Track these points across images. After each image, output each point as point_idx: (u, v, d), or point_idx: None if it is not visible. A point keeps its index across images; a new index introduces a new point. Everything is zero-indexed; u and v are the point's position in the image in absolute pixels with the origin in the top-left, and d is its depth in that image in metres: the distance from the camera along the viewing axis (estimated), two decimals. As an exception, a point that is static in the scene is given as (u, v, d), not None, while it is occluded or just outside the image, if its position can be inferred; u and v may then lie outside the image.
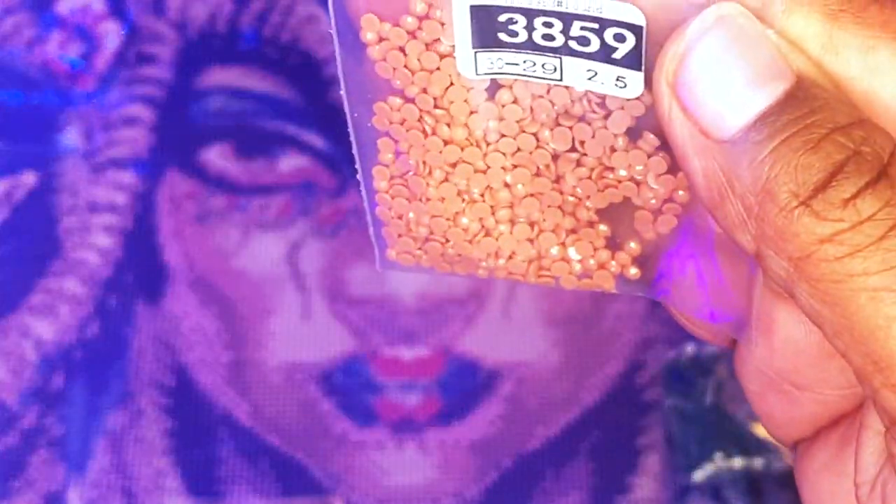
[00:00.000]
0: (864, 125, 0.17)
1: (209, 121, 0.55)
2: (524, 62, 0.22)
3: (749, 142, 0.17)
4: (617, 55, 0.20)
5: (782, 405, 0.24)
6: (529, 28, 0.21)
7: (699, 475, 0.44)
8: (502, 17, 0.21)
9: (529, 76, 0.22)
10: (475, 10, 0.21)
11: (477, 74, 0.22)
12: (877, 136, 0.16)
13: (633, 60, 0.20)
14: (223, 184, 0.53)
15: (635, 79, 0.21)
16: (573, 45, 0.21)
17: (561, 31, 0.21)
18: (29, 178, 0.53)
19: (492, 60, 0.22)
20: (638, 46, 0.20)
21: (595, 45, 0.21)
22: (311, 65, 0.57)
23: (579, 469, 0.45)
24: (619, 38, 0.20)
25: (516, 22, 0.21)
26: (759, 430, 0.43)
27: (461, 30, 0.22)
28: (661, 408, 0.46)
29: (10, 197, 0.52)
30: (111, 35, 0.59)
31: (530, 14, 0.21)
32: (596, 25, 0.20)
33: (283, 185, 0.53)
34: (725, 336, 0.26)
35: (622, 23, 0.20)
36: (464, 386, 0.47)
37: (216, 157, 0.54)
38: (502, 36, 0.21)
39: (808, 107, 0.17)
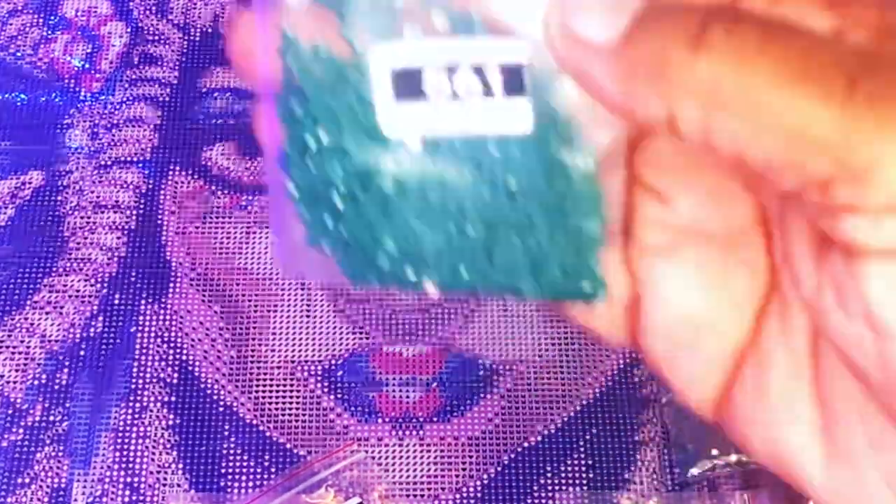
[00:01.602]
0: None
1: (212, 121, 0.55)
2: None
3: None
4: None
5: (690, 358, 0.26)
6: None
7: (696, 470, 0.44)
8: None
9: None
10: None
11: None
12: None
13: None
14: (226, 183, 0.53)
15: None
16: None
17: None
18: (35, 178, 0.53)
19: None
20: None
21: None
22: (313, 65, 0.58)
23: (577, 464, 0.45)
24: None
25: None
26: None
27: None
28: (657, 404, 0.47)
29: (17, 196, 0.53)
30: (116, 36, 0.59)
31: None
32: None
33: (285, 184, 0.53)
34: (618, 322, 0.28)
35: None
36: (463, 382, 0.48)
37: (219, 156, 0.54)
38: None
39: None
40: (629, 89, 0.20)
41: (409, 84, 0.24)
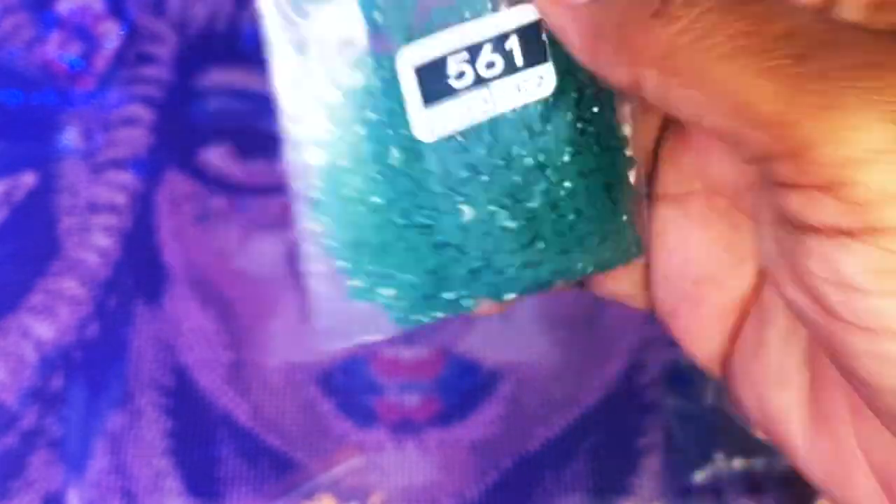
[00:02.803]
0: None
1: (209, 121, 0.55)
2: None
3: None
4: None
5: (691, 311, 0.26)
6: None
7: (699, 476, 0.44)
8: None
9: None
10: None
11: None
12: None
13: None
14: (223, 184, 0.53)
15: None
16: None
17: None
18: (29, 179, 0.53)
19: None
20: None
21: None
22: (310, 65, 0.58)
23: (579, 470, 0.45)
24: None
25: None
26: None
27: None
28: (661, 408, 0.47)
29: (10, 197, 0.52)
30: (111, 35, 0.59)
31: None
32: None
33: (283, 186, 0.53)
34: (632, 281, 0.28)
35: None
36: (464, 386, 0.47)
37: (216, 157, 0.54)
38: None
39: None
40: (598, 51, 0.20)
41: (435, 80, 0.23)
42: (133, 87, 0.56)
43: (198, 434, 0.46)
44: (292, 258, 0.51)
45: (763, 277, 0.24)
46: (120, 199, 0.52)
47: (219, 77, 0.57)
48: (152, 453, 0.46)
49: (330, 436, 0.46)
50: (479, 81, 0.23)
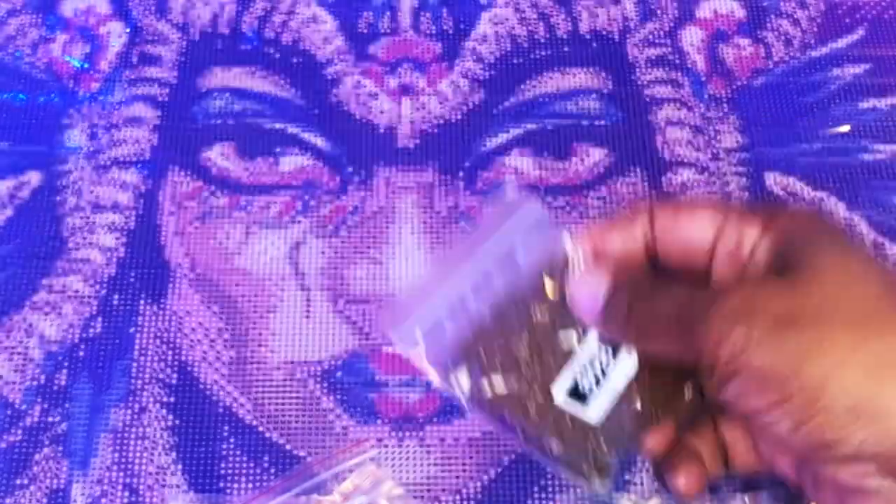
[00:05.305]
0: None
1: (211, 121, 0.55)
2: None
3: None
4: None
5: None
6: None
7: (696, 472, 0.44)
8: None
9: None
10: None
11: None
12: None
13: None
14: (225, 183, 0.53)
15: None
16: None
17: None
18: (34, 178, 0.53)
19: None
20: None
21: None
22: (312, 65, 0.58)
23: (577, 466, 0.45)
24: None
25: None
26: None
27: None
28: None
29: (15, 196, 0.53)
30: (115, 36, 0.59)
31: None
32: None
33: (285, 185, 0.53)
34: None
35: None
36: (463, 383, 0.47)
37: (218, 156, 0.54)
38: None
39: None
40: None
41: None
42: (137, 88, 0.57)
43: (200, 430, 0.46)
44: (293, 256, 0.51)
45: None
46: (124, 198, 0.53)
47: (221, 77, 0.57)
48: (155, 449, 0.46)
49: (331, 432, 0.46)
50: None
